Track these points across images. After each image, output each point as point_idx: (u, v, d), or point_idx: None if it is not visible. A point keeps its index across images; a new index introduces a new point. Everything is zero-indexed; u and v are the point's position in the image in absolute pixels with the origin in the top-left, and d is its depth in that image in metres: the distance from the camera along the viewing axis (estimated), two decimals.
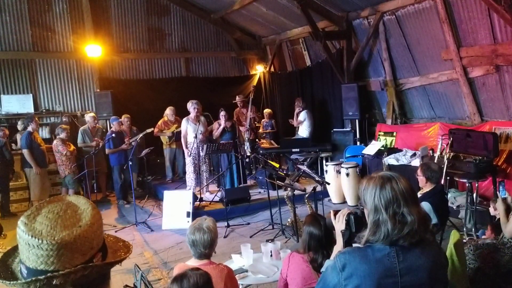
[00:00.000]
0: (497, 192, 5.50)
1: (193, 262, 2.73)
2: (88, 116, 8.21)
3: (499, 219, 3.65)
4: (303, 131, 8.74)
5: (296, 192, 5.91)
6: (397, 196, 1.62)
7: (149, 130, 7.57)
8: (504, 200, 3.57)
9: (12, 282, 1.04)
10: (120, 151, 7.66)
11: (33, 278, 0.99)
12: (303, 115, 8.69)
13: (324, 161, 8.12)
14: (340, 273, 1.66)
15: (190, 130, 7.30)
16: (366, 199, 1.69)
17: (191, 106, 7.38)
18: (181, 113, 7.82)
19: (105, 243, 1.14)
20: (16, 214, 7.30)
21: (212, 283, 2.23)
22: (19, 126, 7.90)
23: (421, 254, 1.64)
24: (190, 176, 7.39)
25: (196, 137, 7.15)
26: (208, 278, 2.21)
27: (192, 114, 7.35)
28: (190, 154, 7.26)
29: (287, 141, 8.74)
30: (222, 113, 7.69)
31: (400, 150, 6.76)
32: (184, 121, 7.40)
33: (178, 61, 10.50)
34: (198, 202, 6.93)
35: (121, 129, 7.85)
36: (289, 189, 5.73)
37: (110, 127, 8.02)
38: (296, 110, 8.82)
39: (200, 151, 7.29)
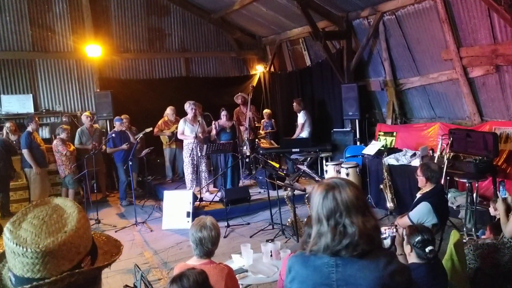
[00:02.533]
0: (497, 192, 5.49)
1: (194, 262, 2.73)
2: (84, 116, 8.19)
3: (499, 219, 3.65)
4: (303, 131, 8.73)
5: (296, 192, 5.92)
6: (339, 206, 1.56)
7: (148, 130, 7.58)
8: (504, 200, 3.57)
9: None
10: (121, 150, 7.68)
11: None
12: (302, 117, 8.68)
13: (324, 161, 8.12)
14: (288, 275, 1.69)
15: (187, 130, 7.30)
16: (312, 207, 1.66)
17: (188, 106, 7.38)
18: (181, 113, 7.82)
19: (95, 244, 1.12)
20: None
21: (209, 281, 2.25)
22: (4, 130, 7.76)
23: (364, 267, 1.56)
24: (189, 177, 7.40)
25: (196, 137, 7.15)
26: (206, 276, 2.24)
27: (190, 114, 7.36)
28: (190, 154, 7.27)
29: (287, 141, 8.73)
30: (223, 113, 7.70)
31: (400, 150, 6.76)
32: (181, 121, 7.41)
33: (178, 61, 10.50)
34: (198, 202, 6.94)
35: (122, 129, 7.86)
36: (289, 189, 5.73)
37: (113, 127, 8.04)
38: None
39: (199, 152, 7.29)
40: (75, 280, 1.01)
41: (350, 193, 1.58)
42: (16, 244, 0.99)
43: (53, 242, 1.00)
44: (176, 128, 8.34)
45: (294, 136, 8.85)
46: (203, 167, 7.46)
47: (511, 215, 3.44)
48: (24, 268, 0.99)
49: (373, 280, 1.54)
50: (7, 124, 7.82)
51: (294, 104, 8.82)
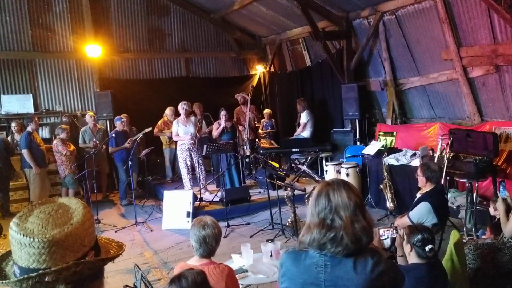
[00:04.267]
0: (497, 192, 5.49)
1: (195, 261, 2.73)
2: (88, 116, 8.26)
3: (499, 219, 3.65)
4: (305, 131, 8.73)
5: (296, 192, 5.91)
6: (331, 203, 1.63)
7: (147, 130, 7.58)
8: (504, 200, 3.57)
9: (4, 281, 1.05)
10: (123, 149, 7.68)
11: (25, 276, 0.99)
12: (305, 117, 8.66)
13: (324, 161, 8.12)
14: (280, 270, 1.75)
15: (181, 131, 7.30)
16: (309, 204, 1.74)
17: (180, 107, 7.39)
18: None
19: (98, 242, 1.15)
20: (16, 214, 7.28)
21: (208, 281, 2.24)
22: (11, 129, 7.87)
23: (353, 269, 1.57)
24: (185, 178, 7.41)
25: (192, 137, 7.15)
26: (205, 276, 2.23)
27: (182, 115, 7.36)
28: (184, 155, 7.27)
29: (287, 141, 8.73)
30: (223, 113, 7.69)
31: (400, 150, 6.76)
32: (174, 123, 7.39)
33: (178, 61, 10.50)
34: (198, 202, 6.94)
35: (124, 129, 7.87)
36: (289, 189, 5.73)
37: (114, 127, 8.06)
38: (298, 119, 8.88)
39: (192, 153, 7.29)
40: (80, 270, 1.03)
41: (344, 192, 1.64)
42: (23, 235, 1.01)
43: (60, 232, 1.02)
44: None
45: (295, 135, 8.84)
46: (201, 167, 7.46)
47: (511, 215, 3.44)
48: (30, 259, 1.01)
49: (361, 283, 1.56)
50: (13, 124, 7.87)
51: (298, 104, 8.81)
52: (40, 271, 0.99)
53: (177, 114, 8.44)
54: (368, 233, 1.62)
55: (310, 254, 1.65)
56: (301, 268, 1.65)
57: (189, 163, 7.36)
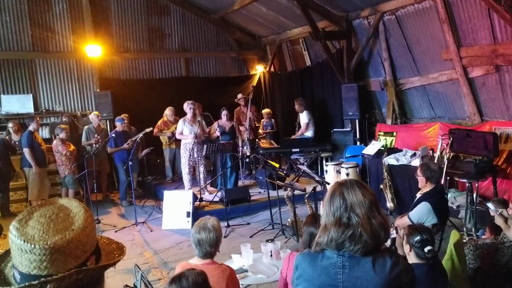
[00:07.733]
0: (489, 211, 5.45)
1: (196, 261, 2.74)
2: (93, 115, 8.26)
3: None
4: (308, 130, 8.71)
5: (296, 192, 5.92)
6: (346, 201, 1.63)
7: (148, 130, 7.58)
8: (500, 214, 3.57)
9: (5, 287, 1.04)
10: (123, 150, 7.68)
11: (26, 284, 0.98)
12: (306, 116, 8.64)
13: (324, 161, 8.12)
14: (295, 272, 1.74)
15: (186, 131, 7.30)
16: (323, 205, 1.74)
17: (186, 106, 7.38)
18: (181, 113, 7.82)
19: (98, 245, 1.13)
20: (16, 214, 7.22)
21: (208, 281, 2.25)
22: (8, 130, 7.89)
23: (370, 269, 1.57)
24: (185, 178, 7.41)
25: (196, 137, 7.14)
26: (206, 276, 2.24)
27: (189, 115, 7.35)
28: (189, 155, 7.27)
29: (287, 141, 8.73)
30: (224, 112, 7.70)
31: (400, 150, 6.76)
32: (180, 121, 7.40)
33: (178, 61, 10.50)
34: (198, 202, 6.93)
35: (124, 129, 7.87)
36: (289, 189, 5.73)
37: (114, 127, 8.05)
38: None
39: (195, 153, 7.29)
40: (82, 278, 1.02)
41: (358, 190, 1.64)
42: (24, 241, 0.99)
43: (61, 239, 1.00)
44: (175, 128, 8.35)
45: (298, 135, 8.83)
46: (201, 167, 7.46)
47: (510, 222, 3.44)
48: (31, 265, 0.99)
49: (380, 283, 1.56)
50: (10, 124, 7.84)
51: (296, 105, 8.79)
52: (42, 279, 0.98)
53: (177, 115, 8.46)
54: (386, 229, 1.62)
55: (327, 255, 1.64)
56: (318, 270, 1.65)
57: (191, 163, 7.35)
